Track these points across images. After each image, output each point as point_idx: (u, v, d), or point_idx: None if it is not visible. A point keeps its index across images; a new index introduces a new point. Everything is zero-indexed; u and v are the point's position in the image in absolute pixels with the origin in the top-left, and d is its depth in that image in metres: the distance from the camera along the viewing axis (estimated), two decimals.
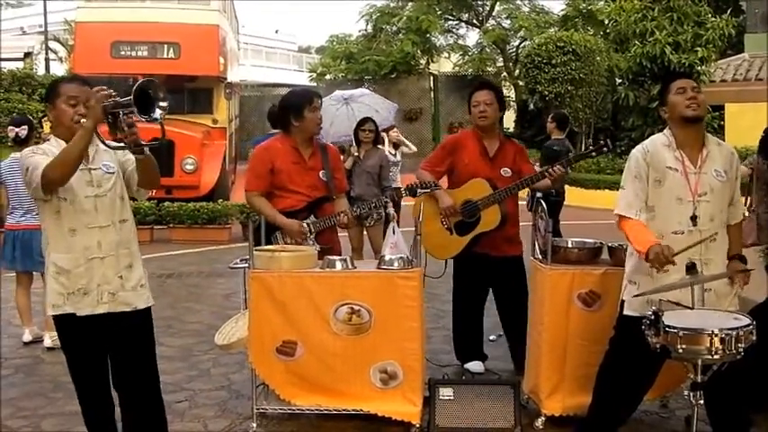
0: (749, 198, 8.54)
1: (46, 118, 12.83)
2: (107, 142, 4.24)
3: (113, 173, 4.38)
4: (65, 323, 4.32)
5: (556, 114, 12.03)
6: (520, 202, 6.79)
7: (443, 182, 6.65)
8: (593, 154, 6.65)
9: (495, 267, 6.45)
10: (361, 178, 9.92)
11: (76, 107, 4.21)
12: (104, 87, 4.10)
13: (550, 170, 6.19)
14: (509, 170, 6.43)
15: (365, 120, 10.38)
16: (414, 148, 13.47)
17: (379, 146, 10.60)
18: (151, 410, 4.60)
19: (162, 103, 4.00)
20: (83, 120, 4.12)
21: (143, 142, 4.11)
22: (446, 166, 6.57)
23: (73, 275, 4.25)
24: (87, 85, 4.27)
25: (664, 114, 4.82)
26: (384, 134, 12.44)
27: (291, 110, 5.97)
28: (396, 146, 13.31)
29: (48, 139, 4.41)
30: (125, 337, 4.42)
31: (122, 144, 4.11)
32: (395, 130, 13.53)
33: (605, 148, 6.19)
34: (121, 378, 4.49)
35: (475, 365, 6.68)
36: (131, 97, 3.90)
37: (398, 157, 13.18)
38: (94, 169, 4.31)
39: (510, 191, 6.25)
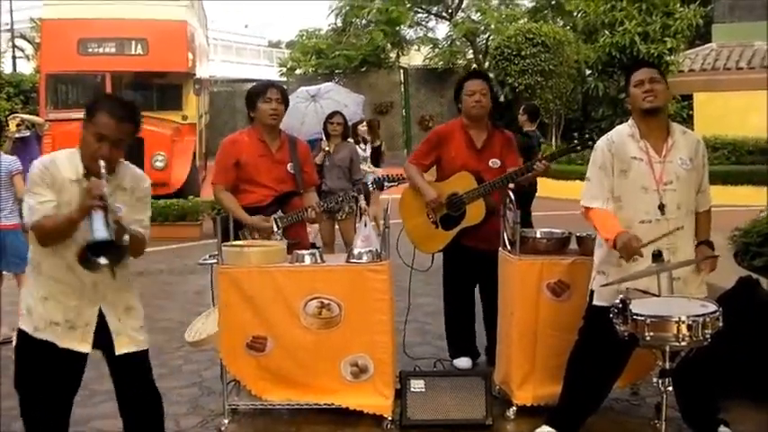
0: None
1: (12, 116, 12.71)
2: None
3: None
4: (35, 347, 4.06)
5: (527, 106, 12.08)
6: None
7: (431, 173, 6.61)
8: (579, 148, 6.54)
9: (482, 260, 6.25)
10: (332, 172, 9.89)
11: (102, 143, 3.86)
12: (100, 185, 3.76)
13: (536, 165, 6.07)
14: (498, 161, 6.34)
15: (333, 113, 10.37)
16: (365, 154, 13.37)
17: (349, 140, 10.57)
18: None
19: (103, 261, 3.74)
20: (101, 162, 3.83)
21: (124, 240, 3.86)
22: (432, 159, 6.50)
23: (64, 307, 4.02)
24: (126, 122, 3.94)
25: (627, 105, 4.89)
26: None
27: (247, 103, 6.04)
28: (365, 141, 13.34)
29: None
30: (126, 377, 4.25)
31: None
32: (363, 124, 13.55)
33: (590, 142, 5.79)
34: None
35: (462, 362, 6.56)
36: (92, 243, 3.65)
37: (368, 152, 13.21)
38: None
39: (494, 185, 6.14)
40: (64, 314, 4.03)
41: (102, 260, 3.72)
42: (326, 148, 10.03)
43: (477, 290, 6.67)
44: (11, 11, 35.49)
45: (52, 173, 3.89)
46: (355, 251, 5.50)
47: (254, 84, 6.42)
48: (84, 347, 4.09)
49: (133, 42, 18.67)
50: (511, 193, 5.68)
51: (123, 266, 4.14)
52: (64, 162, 3.93)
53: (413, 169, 6.48)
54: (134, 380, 4.27)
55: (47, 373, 4.09)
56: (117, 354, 4.13)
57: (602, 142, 4.84)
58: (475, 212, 6.25)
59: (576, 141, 6.24)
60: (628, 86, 4.84)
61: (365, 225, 5.60)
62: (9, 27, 36.34)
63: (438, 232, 6.41)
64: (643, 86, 4.71)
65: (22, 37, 38.07)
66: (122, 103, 4.06)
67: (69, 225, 3.84)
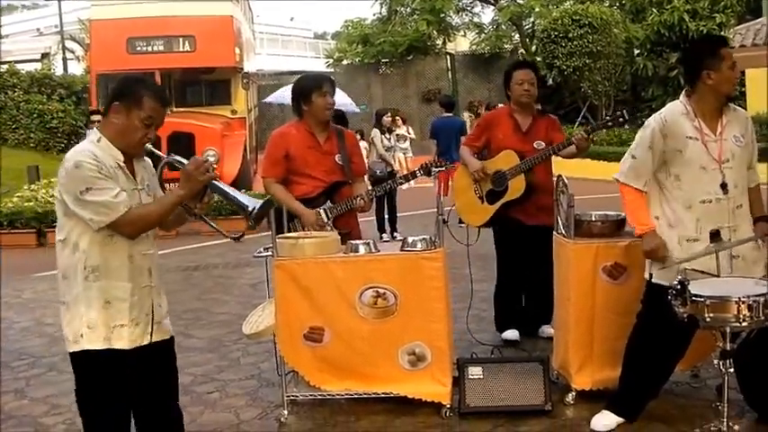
0: None
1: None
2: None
3: (151, 195, 3.99)
4: (102, 360, 3.80)
5: None
6: None
7: None
8: (610, 124, 6.78)
9: (529, 234, 6.61)
10: None
11: (149, 128, 3.80)
12: (210, 161, 3.89)
13: (574, 138, 6.42)
14: (542, 143, 6.62)
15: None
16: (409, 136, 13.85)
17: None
18: None
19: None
20: (148, 143, 3.86)
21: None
22: (482, 142, 6.88)
23: (129, 305, 3.83)
24: (165, 105, 3.93)
25: (707, 79, 4.61)
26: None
27: (301, 95, 5.99)
28: (390, 130, 13.70)
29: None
30: (160, 366, 4.08)
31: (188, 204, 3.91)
32: (388, 114, 14.02)
33: (621, 119, 6.45)
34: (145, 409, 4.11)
35: (510, 333, 6.81)
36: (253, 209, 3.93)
37: (393, 142, 13.58)
38: (141, 189, 3.91)
39: (534, 160, 6.47)
40: (129, 313, 3.83)
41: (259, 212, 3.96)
42: None
43: None
44: (59, 13, 35.98)
45: (103, 164, 3.74)
46: (410, 239, 5.52)
47: (303, 76, 6.36)
48: (147, 339, 3.92)
49: (181, 39, 18.87)
50: (564, 177, 5.65)
51: (157, 253, 4.07)
52: (101, 153, 3.77)
53: (465, 150, 6.97)
54: (163, 367, 4.10)
55: (128, 383, 3.88)
56: (153, 341, 3.96)
57: (654, 122, 4.73)
58: (516, 186, 6.56)
59: (608, 118, 6.51)
60: (718, 62, 4.58)
61: None
62: (58, 29, 36.87)
63: (483, 207, 6.75)
64: (735, 71, 4.62)
65: (72, 38, 38.61)
66: (158, 85, 4.14)
67: (174, 208, 3.85)
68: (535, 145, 6.60)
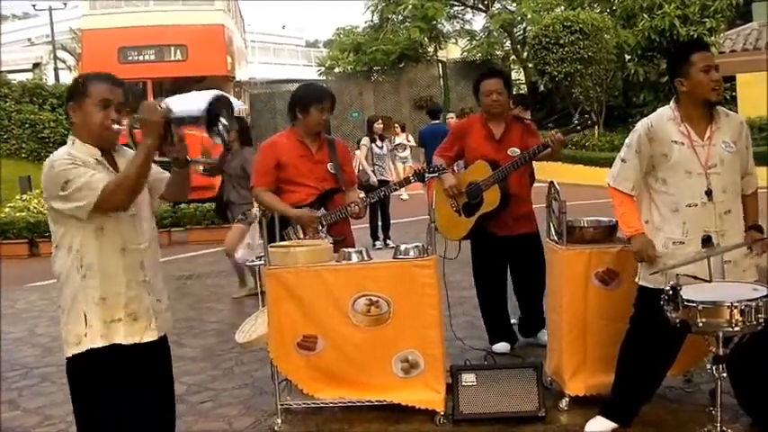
0: None
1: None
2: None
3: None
4: (102, 359, 3.71)
5: (518, 97, 12.30)
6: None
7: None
8: (579, 128, 6.74)
9: (506, 246, 6.62)
10: (228, 182, 9.58)
11: (107, 110, 3.71)
12: (163, 101, 3.77)
13: (549, 139, 6.30)
14: (517, 150, 6.52)
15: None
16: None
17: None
18: None
19: (224, 121, 3.83)
20: (116, 126, 3.72)
21: (188, 157, 3.84)
22: (455, 151, 6.78)
23: (126, 299, 3.78)
24: (119, 86, 3.80)
25: (681, 87, 4.67)
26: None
27: (299, 103, 5.99)
28: (381, 138, 13.60)
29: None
30: (159, 366, 3.99)
31: (167, 159, 3.82)
32: (379, 122, 13.94)
33: (590, 122, 6.49)
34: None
35: (500, 347, 6.74)
36: (202, 112, 3.76)
37: (385, 150, 13.49)
38: None
39: (508, 169, 6.39)
40: (125, 307, 3.77)
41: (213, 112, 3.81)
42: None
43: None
44: (51, 23, 36.00)
45: (80, 160, 3.68)
46: (402, 247, 5.52)
47: (307, 85, 6.39)
48: (151, 335, 3.84)
49: (172, 48, 18.93)
50: (556, 183, 5.66)
51: (155, 249, 3.99)
52: (77, 152, 3.72)
53: (437, 160, 6.72)
54: (165, 362, 4.06)
55: (126, 381, 3.77)
56: (152, 339, 3.87)
57: (641, 126, 4.77)
58: (491, 198, 6.48)
59: (576, 122, 6.51)
60: (686, 67, 4.62)
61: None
62: (50, 39, 36.89)
63: (461, 220, 6.67)
64: (712, 74, 4.57)
65: (63, 48, 38.66)
66: (104, 72, 3.94)
67: (148, 161, 3.66)
68: (509, 152, 6.51)
